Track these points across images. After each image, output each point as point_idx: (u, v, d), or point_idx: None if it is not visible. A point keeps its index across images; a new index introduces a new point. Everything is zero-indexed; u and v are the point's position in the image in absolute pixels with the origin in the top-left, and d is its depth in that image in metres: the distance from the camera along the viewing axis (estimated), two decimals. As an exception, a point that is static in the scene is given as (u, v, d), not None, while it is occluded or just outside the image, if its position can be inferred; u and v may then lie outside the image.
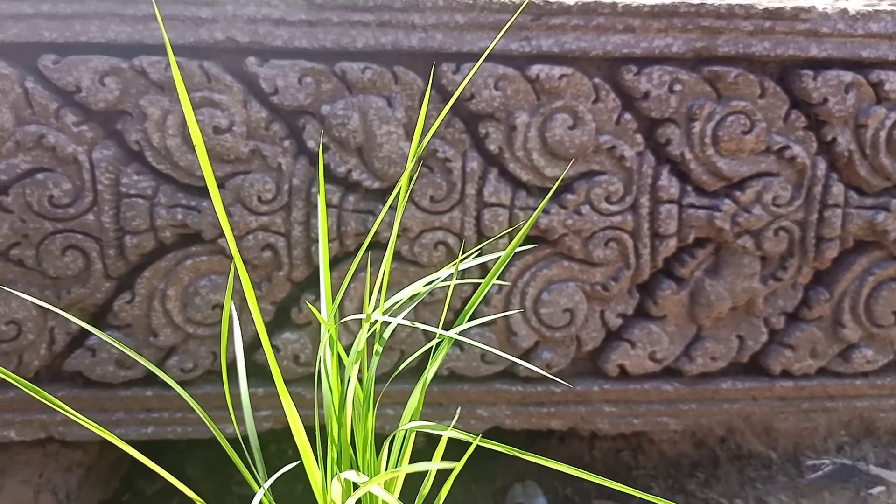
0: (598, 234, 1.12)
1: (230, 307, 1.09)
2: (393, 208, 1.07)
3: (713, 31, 1.07)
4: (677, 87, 1.08)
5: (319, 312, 0.67)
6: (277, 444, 1.38)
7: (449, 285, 1.08)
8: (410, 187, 1.07)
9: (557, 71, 1.05)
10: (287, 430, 1.11)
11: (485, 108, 1.06)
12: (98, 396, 1.11)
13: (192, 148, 1.03)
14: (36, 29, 0.99)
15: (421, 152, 1.07)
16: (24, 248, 1.04)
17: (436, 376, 1.16)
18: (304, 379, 1.14)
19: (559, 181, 1.09)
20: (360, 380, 0.69)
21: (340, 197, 1.07)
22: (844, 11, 1.08)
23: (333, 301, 1.08)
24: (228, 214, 1.05)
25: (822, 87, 1.09)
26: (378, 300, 1.09)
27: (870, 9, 1.09)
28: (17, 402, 1.10)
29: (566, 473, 1.32)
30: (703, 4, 1.05)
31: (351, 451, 0.67)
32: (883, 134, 1.12)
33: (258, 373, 1.14)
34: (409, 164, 0.65)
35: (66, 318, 1.07)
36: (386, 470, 0.70)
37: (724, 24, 1.06)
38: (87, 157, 1.02)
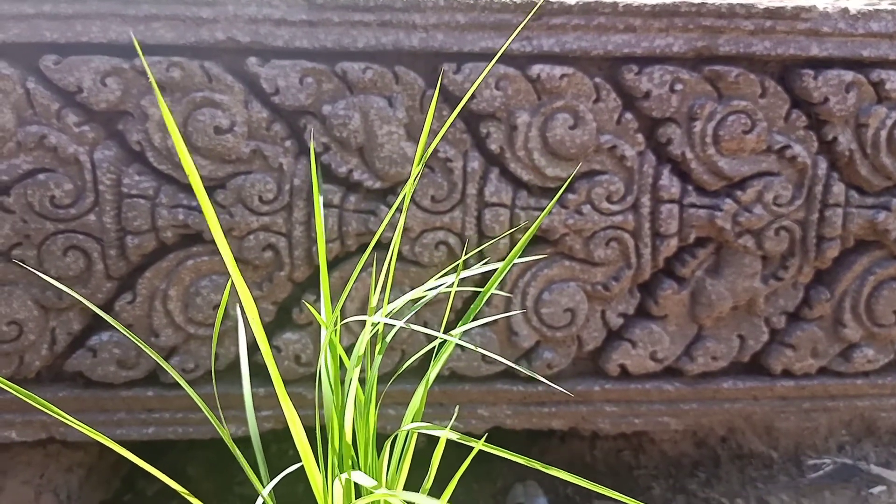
0: (599, 233, 1.12)
1: (227, 308, 1.09)
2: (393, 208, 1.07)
3: (714, 30, 1.07)
4: (678, 87, 1.08)
5: (320, 313, 0.67)
6: (278, 444, 1.38)
7: (450, 286, 1.08)
8: (412, 188, 1.07)
9: (558, 70, 1.05)
10: (288, 430, 1.11)
11: (486, 107, 1.06)
12: (99, 397, 1.11)
13: (193, 148, 1.03)
14: (37, 29, 0.99)
15: (426, 155, 1.07)
16: (25, 248, 1.04)
17: (437, 376, 1.16)
18: (305, 379, 1.14)
19: (567, 183, 1.09)
20: (361, 380, 0.69)
21: (341, 197, 1.07)
22: (845, 11, 1.08)
23: (335, 302, 1.08)
24: (230, 215, 1.05)
25: (823, 87, 1.09)
26: (379, 301, 1.09)
27: (870, 8, 1.09)
28: (18, 402, 1.11)
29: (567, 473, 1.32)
30: (703, 4, 1.05)
31: (352, 452, 0.67)
32: (884, 133, 1.12)
33: (259, 373, 1.14)
34: (416, 169, 0.65)
35: (67, 319, 1.07)
36: (387, 470, 0.70)
37: (724, 24, 1.06)
38: (89, 157, 1.03)
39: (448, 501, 0.67)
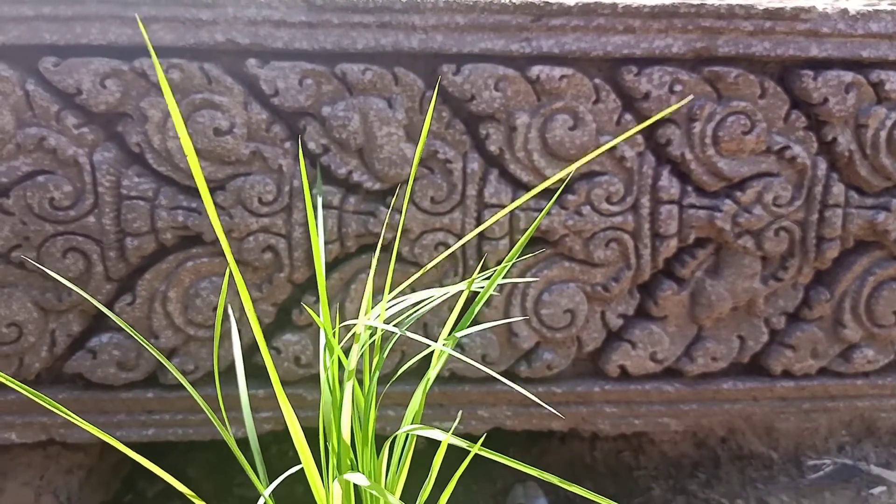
0: (598, 234, 1.12)
1: (229, 310, 1.09)
2: (394, 209, 1.07)
3: (713, 31, 1.07)
4: (678, 88, 1.08)
5: (319, 315, 0.67)
6: (279, 445, 1.38)
7: (451, 286, 1.08)
8: (411, 189, 1.07)
9: (558, 72, 1.05)
10: (287, 432, 1.11)
11: (485, 109, 1.06)
12: (99, 398, 1.11)
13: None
14: (37, 31, 0.99)
15: (426, 156, 1.07)
16: (25, 250, 1.04)
17: (436, 377, 1.15)
18: (305, 380, 1.14)
19: (565, 183, 1.09)
20: (360, 381, 0.69)
21: (341, 198, 1.07)
22: (844, 11, 1.08)
23: (333, 303, 1.08)
24: (229, 216, 1.05)
25: (823, 87, 1.09)
26: (378, 301, 1.09)
27: (870, 9, 1.09)
28: (17, 404, 1.11)
29: (567, 474, 1.32)
30: (703, 5, 1.05)
31: (351, 453, 0.67)
32: (883, 134, 1.12)
33: (259, 374, 1.14)
34: (414, 169, 0.65)
35: (67, 321, 1.07)
36: (387, 471, 0.70)
37: (724, 25, 1.06)
38: (88, 159, 1.03)
39: (448, 502, 0.67)
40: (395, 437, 0.70)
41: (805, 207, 1.14)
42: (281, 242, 1.07)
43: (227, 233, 1.06)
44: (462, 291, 0.71)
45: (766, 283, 1.17)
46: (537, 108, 1.07)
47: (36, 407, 1.11)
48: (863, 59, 1.11)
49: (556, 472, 1.34)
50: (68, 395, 1.11)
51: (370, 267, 1.09)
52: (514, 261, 0.70)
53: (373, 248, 1.10)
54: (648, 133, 1.12)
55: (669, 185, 1.11)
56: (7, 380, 0.57)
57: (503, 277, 1.13)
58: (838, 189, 1.14)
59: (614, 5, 1.04)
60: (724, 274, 1.16)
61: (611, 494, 1.29)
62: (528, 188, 1.10)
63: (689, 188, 1.13)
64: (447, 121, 1.07)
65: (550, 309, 1.14)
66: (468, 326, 0.73)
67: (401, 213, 1.07)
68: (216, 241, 1.06)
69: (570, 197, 1.10)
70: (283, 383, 0.65)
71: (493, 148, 1.08)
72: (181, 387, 1.12)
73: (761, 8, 1.06)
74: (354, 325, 0.67)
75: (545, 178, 1.09)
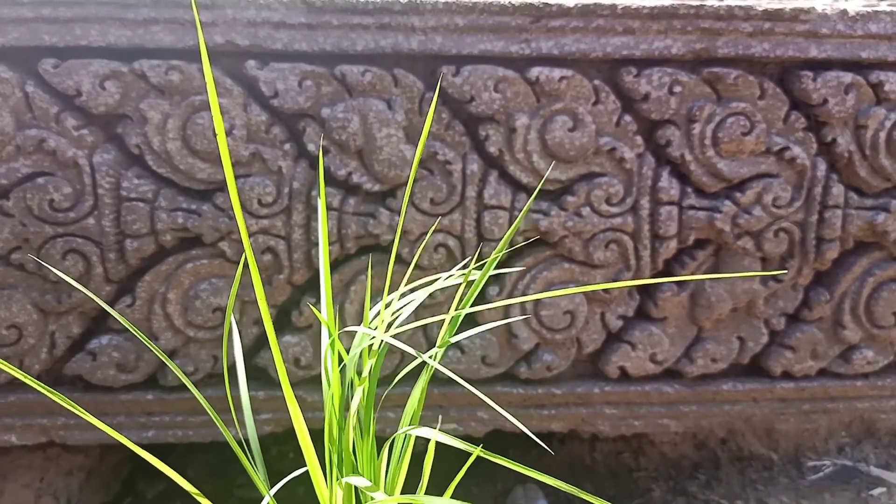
0: (598, 235, 1.12)
1: (231, 309, 1.09)
2: (393, 211, 1.07)
3: (713, 32, 1.07)
4: (677, 89, 1.08)
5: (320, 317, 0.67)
6: (278, 446, 1.38)
7: (451, 287, 1.08)
8: (410, 190, 1.08)
9: (557, 73, 1.05)
10: (287, 433, 1.11)
11: (485, 110, 1.06)
12: (99, 400, 1.11)
13: (192, 151, 1.03)
14: (36, 33, 0.99)
15: (421, 157, 1.07)
16: (24, 252, 1.04)
17: (436, 379, 1.16)
18: (304, 382, 1.14)
19: (564, 184, 1.09)
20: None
21: (341, 200, 1.07)
22: (844, 12, 1.08)
23: (336, 303, 1.08)
24: (229, 218, 1.05)
25: (822, 88, 1.09)
26: (378, 303, 1.09)
27: (869, 10, 1.09)
28: (17, 406, 1.10)
29: (567, 475, 1.32)
30: (702, 6, 1.05)
31: (351, 455, 0.67)
32: (883, 135, 1.12)
33: (259, 376, 1.14)
34: (414, 171, 0.65)
35: (67, 323, 1.07)
36: (386, 473, 0.70)
37: (723, 26, 1.06)
38: (88, 161, 1.03)
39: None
40: (395, 439, 0.70)
41: (804, 208, 1.14)
42: (280, 244, 1.07)
43: (227, 234, 1.06)
44: (462, 293, 0.71)
45: (766, 285, 1.17)
46: (537, 109, 1.07)
47: (36, 409, 1.11)
48: (862, 60, 1.11)
49: (555, 474, 1.34)
50: (68, 396, 1.10)
51: (369, 268, 1.09)
52: (501, 253, 0.70)
53: (372, 249, 1.10)
54: (648, 134, 1.12)
55: (669, 186, 1.11)
56: (22, 375, 0.57)
57: (501, 279, 1.13)
58: (838, 190, 1.14)
59: (613, 6, 1.04)
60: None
61: (611, 496, 1.29)
62: (527, 189, 1.11)
63: (689, 189, 1.13)
64: (447, 122, 1.07)
65: (550, 310, 1.14)
66: (465, 326, 0.73)
67: (400, 214, 1.07)
68: (215, 243, 1.06)
69: (570, 198, 1.10)
70: (283, 385, 0.65)
71: (492, 149, 1.08)
72: (181, 388, 1.12)
73: (760, 9, 1.06)
74: (354, 329, 0.67)
75: (545, 180, 1.09)
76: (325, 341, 0.70)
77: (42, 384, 0.58)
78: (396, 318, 0.70)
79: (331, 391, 0.66)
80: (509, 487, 1.31)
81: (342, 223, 1.07)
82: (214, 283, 1.08)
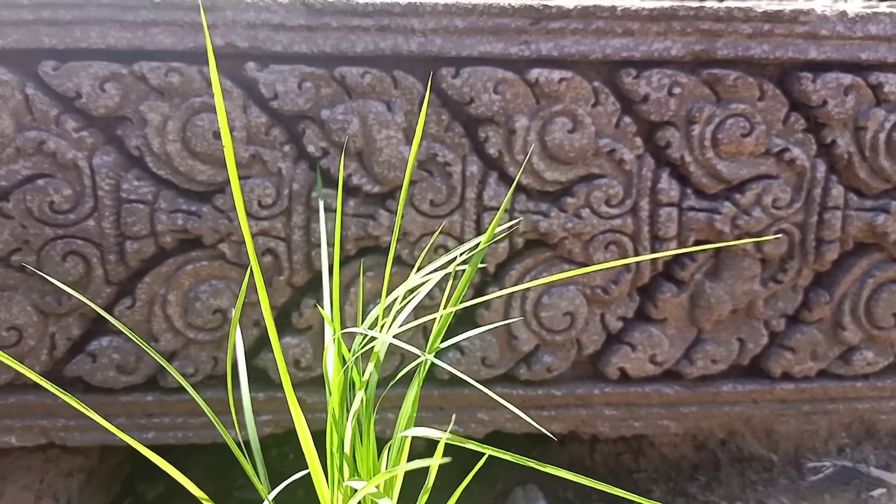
0: (598, 237, 1.12)
1: (228, 312, 1.09)
2: (393, 213, 1.07)
3: (712, 34, 1.07)
4: (676, 90, 1.08)
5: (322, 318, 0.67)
6: (278, 448, 1.38)
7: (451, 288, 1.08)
8: (410, 191, 1.08)
9: (557, 75, 1.05)
10: (287, 434, 1.11)
11: (484, 112, 1.06)
12: (99, 402, 1.11)
13: (192, 153, 1.03)
14: (36, 35, 0.99)
15: (417, 158, 1.07)
16: (24, 254, 1.04)
17: (436, 380, 1.16)
18: (304, 384, 1.14)
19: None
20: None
21: (340, 201, 1.07)
22: (843, 14, 1.08)
23: (333, 305, 1.08)
24: (229, 219, 1.05)
25: (822, 90, 1.09)
26: (378, 304, 1.09)
27: (868, 11, 1.09)
28: (17, 407, 1.11)
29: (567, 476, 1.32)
30: (701, 8, 1.05)
31: (352, 457, 0.67)
32: (882, 136, 1.12)
33: (259, 378, 1.14)
34: (409, 170, 0.65)
35: (67, 325, 1.07)
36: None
37: (722, 27, 1.06)
38: (88, 162, 1.03)
39: (447, 507, 0.67)
40: (394, 441, 0.70)
41: (804, 210, 1.14)
42: (280, 245, 1.07)
43: (227, 236, 1.06)
44: (462, 296, 0.71)
45: (766, 286, 1.17)
46: (536, 110, 1.07)
47: (36, 410, 1.11)
48: (862, 62, 1.11)
49: (556, 475, 1.34)
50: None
51: (370, 270, 1.09)
52: (487, 244, 0.70)
53: (372, 251, 1.10)
54: (648, 136, 1.12)
55: (669, 187, 1.11)
56: (25, 370, 0.57)
57: (500, 280, 1.13)
58: (837, 191, 1.14)
59: (613, 8, 1.04)
60: (723, 276, 1.16)
61: (610, 497, 1.29)
62: (527, 191, 1.11)
63: (689, 190, 1.13)
64: (446, 124, 1.07)
65: (550, 311, 1.14)
66: (465, 327, 0.73)
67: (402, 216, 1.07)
68: (216, 244, 1.06)
69: (570, 200, 1.10)
70: (283, 386, 0.65)
71: (492, 151, 1.08)
72: (181, 390, 1.12)
73: (760, 10, 1.06)
74: (356, 330, 0.67)
75: (544, 181, 1.09)
76: (328, 340, 0.70)
77: (48, 381, 0.58)
78: (396, 319, 0.70)
79: (332, 392, 0.66)
80: (509, 488, 1.31)
81: (342, 225, 1.07)
82: (214, 285, 1.08)
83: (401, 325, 0.68)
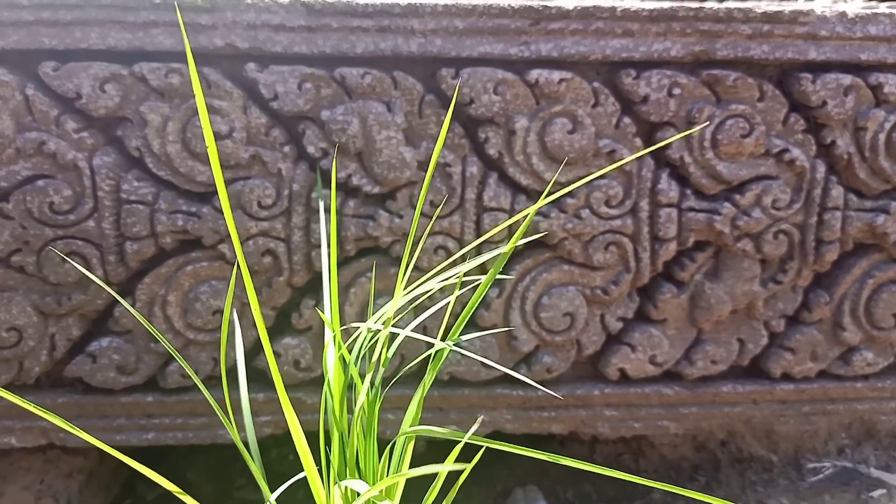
0: (597, 237, 1.12)
1: (231, 312, 1.09)
2: (393, 213, 1.07)
3: (712, 34, 1.07)
4: (676, 91, 1.08)
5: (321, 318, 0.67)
6: (278, 448, 1.38)
7: (451, 288, 1.08)
8: (410, 192, 1.08)
9: (556, 75, 1.06)
10: (287, 435, 1.11)
11: (484, 112, 1.06)
12: (99, 402, 1.11)
13: (192, 154, 1.03)
14: (36, 36, 0.99)
15: (416, 159, 1.07)
16: (24, 254, 1.04)
17: (436, 381, 1.16)
18: (304, 384, 1.14)
19: (568, 187, 1.09)
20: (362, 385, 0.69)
21: (340, 202, 1.07)
22: (843, 14, 1.09)
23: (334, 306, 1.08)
24: (228, 220, 1.05)
25: (821, 90, 1.10)
26: (378, 305, 1.09)
27: (868, 12, 1.09)
28: (17, 408, 1.10)
29: (567, 477, 1.32)
30: (701, 8, 1.05)
31: (353, 458, 0.67)
32: (882, 136, 1.12)
33: (259, 378, 1.14)
34: (428, 178, 0.65)
35: (67, 325, 1.08)
36: (388, 475, 0.71)
37: (722, 28, 1.06)
38: (88, 163, 1.03)
39: (447, 507, 0.67)
40: (395, 441, 0.70)
41: (804, 210, 1.14)
42: (280, 246, 1.07)
43: (227, 236, 1.06)
44: (460, 295, 0.71)
45: (766, 286, 1.17)
46: (536, 111, 1.07)
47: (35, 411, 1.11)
48: (861, 62, 1.11)
49: (556, 475, 1.34)
50: (68, 399, 1.11)
51: (369, 270, 1.09)
52: (507, 256, 0.70)
53: (372, 251, 1.11)
54: (647, 136, 1.12)
55: (668, 188, 1.11)
56: (6, 394, 0.57)
57: (500, 281, 1.13)
58: (837, 192, 1.14)
59: (613, 9, 1.04)
60: (723, 277, 1.16)
61: (610, 497, 1.29)
62: (527, 191, 1.11)
63: (688, 191, 1.13)
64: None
65: (550, 312, 1.14)
66: (467, 328, 0.73)
67: (399, 216, 1.07)
68: (215, 245, 1.06)
69: (570, 200, 1.10)
70: (283, 387, 0.65)
71: (492, 151, 1.08)
72: (181, 391, 1.12)
73: (759, 11, 1.06)
74: (356, 327, 0.67)
75: (544, 182, 1.09)
76: (328, 340, 0.70)
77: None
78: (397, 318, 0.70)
79: (333, 392, 0.66)
80: (509, 489, 1.31)
81: (342, 225, 1.08)
82: (214, 286, 1.08)
83: (403, 325, 0.68)
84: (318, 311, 0.68)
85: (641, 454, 1.34)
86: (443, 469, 0.54)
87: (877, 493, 1.24)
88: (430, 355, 0.71)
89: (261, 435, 1.14)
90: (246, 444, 0.69)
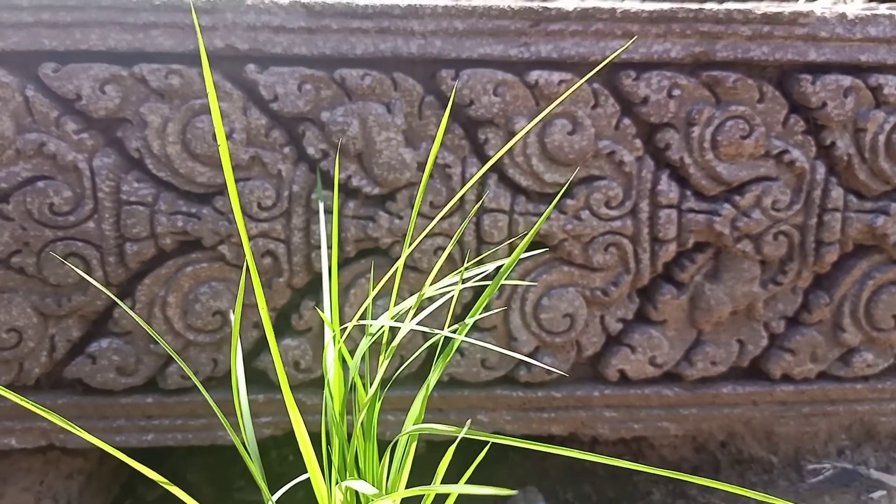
0: (597, 239, 1.12)
1: (231, 313, 1.09)
2: (393, 214, 1.07)
3: (712, 35, 1.07)
4: (676, 92, 1.08)
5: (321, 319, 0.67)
6: (278, 449, 1.38)
7: (449, 291, 1.08)
8: (409, 193, 1.08)
9: (556, 76, 1.06)
10: (287, 436, 1.11)
11: (484, 113, 1.06)
12: (99, 403, 1.11)
13: (191, 155, 1.03)
14: (36, 37, 0.99)
15: (416, 160, 1.07)
16: (24, 255, 1.04)
17: (436, 382, 1.15)
18: (304, 385, 1.14)
19: (563, 188, 1.09)
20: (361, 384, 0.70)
21: (340, 203, 1.07)
22: (843, 16, 1.09)
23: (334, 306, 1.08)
24: (229, 221, 1.05)
25: (821, 92, 1.10)
26: (378, 306, 1.09)
27: (868, 13, 1.09)
28: (17, 409, 1.10)
29: (567, 478, 1.32)
30: (701, 10, 1.05)
31: (353, 458, 0.67)
32: (882, 138, 1.12)
33: (259, 379, 1.14)
34: (425, 178, 0.65)
35: (67, 326, 1.08)
36: (388, 476, 0.71)
37: (722, 29, 1.07)
38: (88, 164, 1.03)
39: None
40: (396, 442, 0.70)
41: (804, 211, 1.14)
42: (280, 247, 1.07)
43: (227, 238, 1.06)
44: (462, 296, 0.71)
45: (766, 288, 1.17)
46: (536, 112, 1.07)
47: (35, 412, 1.11)
48: (861, 64, 1.11)
49: (555, 476, 1.34)
50: (68, 400, 1.11)
51: (369, 271, 1.09)
52: (512, 264, 0.70)
53: (372, 252, 1.11)
54: (647, 137, 1.12)
55: (668, 189, 1.11)
56: (4, 391, 0.57)
57: (499, 282, 1.13)
58: (837, 193, 1.14)
59: (612, 10, 1.04)
60: (723, 278, 1.16)
61: (610, 498, 1.29)
62: (526, 193, 1.11)
63: (688, 192, 1.13)
64: (446, 126, 1.07)
65: (550, 313, 1.14)
66: (469, 328, 0.73)
67: (399, 217, 1.07)
68: (215, 246, 1.06)
69: (569, 201, 1.10)
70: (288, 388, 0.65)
71: (492, 153, 1.08)
72: (180, 392, 1.12)
73: (759, 12, 1.06)
74: (357, 326, 0.67)
75: (544, 183, 1.09)
76: (328, 340, 0.70)
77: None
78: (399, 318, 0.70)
79: (330, 391, 0.66)
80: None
81: (341, 226, 1.08)
82: (214, 287, 1.08)
83: (403, 326, 0.68)
84: (319, 312, 0.68)
85: (641, 455, 1.34)
86: (469, 490, 0.54)
87: (877, 494, 1.24)
88: (431, 354, 0.71)
89: (261, 436, 1.14)
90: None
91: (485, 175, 1.09)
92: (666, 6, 1.05)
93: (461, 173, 1.08)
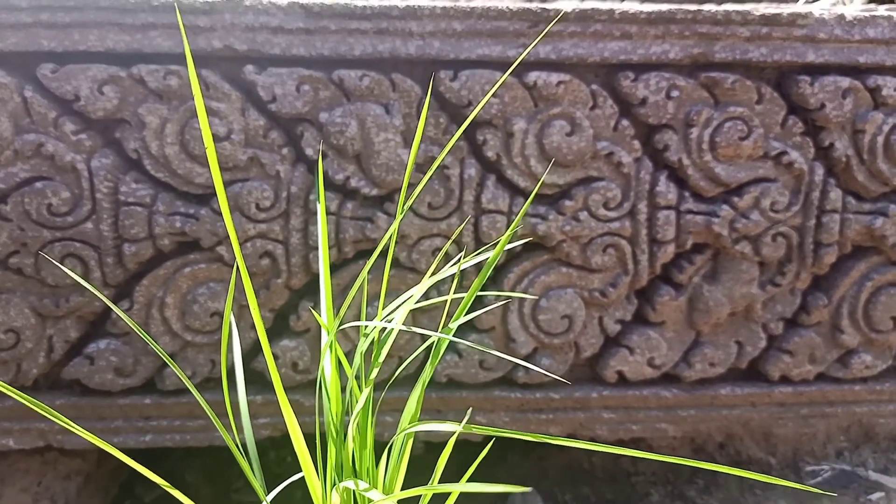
0: (596, 240, 1.12)
1: (229, 314, 1.09)
2: (391, 215, 1.07)
3: (710, 37, 1.07)
4: (675, 94, 1.08)
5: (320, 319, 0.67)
6: (276, 450, 1.38)
7: (447, 292, 1.08)
8: (408, 194, 1.08)
9: (555, 77, 1.06)
10: (286, 437, 1.11)
11: (482, 114, 1.06)
12: (97, 404, 1.11)
13: (190, 156, 1.03)
14: (35, 38, 0.99)
15: (418, 161, 1.07)
16: (22, 256, 1.04)
17: (434, 383, 1.16)
18: (302, 386, 1.14)
19: (561, 189, 1.09)
20: (358, 385, 0.69)
21: (338, 204, 1.07)
22: (841, 17, 1.09)
23: (334, 307, 1.08)
24: (227, 222, 1.05)
25: (820, 93, 1.10)
26: (376, 307, 1.09)
27: (867, 14, 1.09)
28: (15, 410, 1.10)
29: (566, 480, 1.32)
30: (699, 11, 1.05)
31: (350, 459, 0.67)
32: (880, 139, 1.12)
33: (257, 380, 1.14)
34: (426, 179, 0.65)
35: (65, 327, 1.07)
36: (385, 477, 0.70)
37: (720, 31, 1.07)
38: (86, 165, 1.03)
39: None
40: (392, 444, 0.70)
41: (802, 213, 1.14)
42: (278, 248, 1.07)
43: (225, 238, 1.06)
44: (457, 298, 0.71)
45: (764, 289, 1.17)
46: (534, 113, 1.07)
47: (34, 413, 1.11)
48: (860, 65, 1.11)
49: (554, 478, 1.34)
50: (66, 401, 1.11)
51: (367, 272, 1.09)
52: (497, 256, 0.70)
53: (370, 253, 1.10)
54: (646, 139, 1.12)
55: (667, 190, 1.11)
56: (5, 388, 0.57)
57: (498, 283, 1.13)
58: (836, 194, 1.14)
59: (611, 11, 1.04)
60: (721, 279, 1.16)
61: (609, 500, 1.29)
62: (525, 194, 1.11)
63: (687, 194, 1.13)
64: (444, 126, 1.07)
65: (548, 314, 1.13)
66: (463, 329, 0.73)
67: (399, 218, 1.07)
68: (213, 247, 1.06)
69: (568, 202, 1.10)
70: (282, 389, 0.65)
71: (490, 154, 1.08)
72: (178, 393, 1.12)
73: (758, 14, 1.07)
74: (353, 330, 0.67)
75: (542, 184, 1.09)
76: (324, 343, 0.70)
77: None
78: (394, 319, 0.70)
79: (327, 392, 0.66)
80: (507, 491, 1.30)
81: (340, 227, 1.08)
82: (212, 288, 1.08)
83: (398, 325, 0.68)
84: (315, 314, 0.69)
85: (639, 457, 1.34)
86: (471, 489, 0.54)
87: (875, 496, 1.24)
88: (426, 357, 0.71)
89: (259, 437, 1.14)
90: (240, 446, 0.69)
91: (483, 176, 1.09)
92: (664, 7, 1.05)
93: (459, 174, 1.08)
